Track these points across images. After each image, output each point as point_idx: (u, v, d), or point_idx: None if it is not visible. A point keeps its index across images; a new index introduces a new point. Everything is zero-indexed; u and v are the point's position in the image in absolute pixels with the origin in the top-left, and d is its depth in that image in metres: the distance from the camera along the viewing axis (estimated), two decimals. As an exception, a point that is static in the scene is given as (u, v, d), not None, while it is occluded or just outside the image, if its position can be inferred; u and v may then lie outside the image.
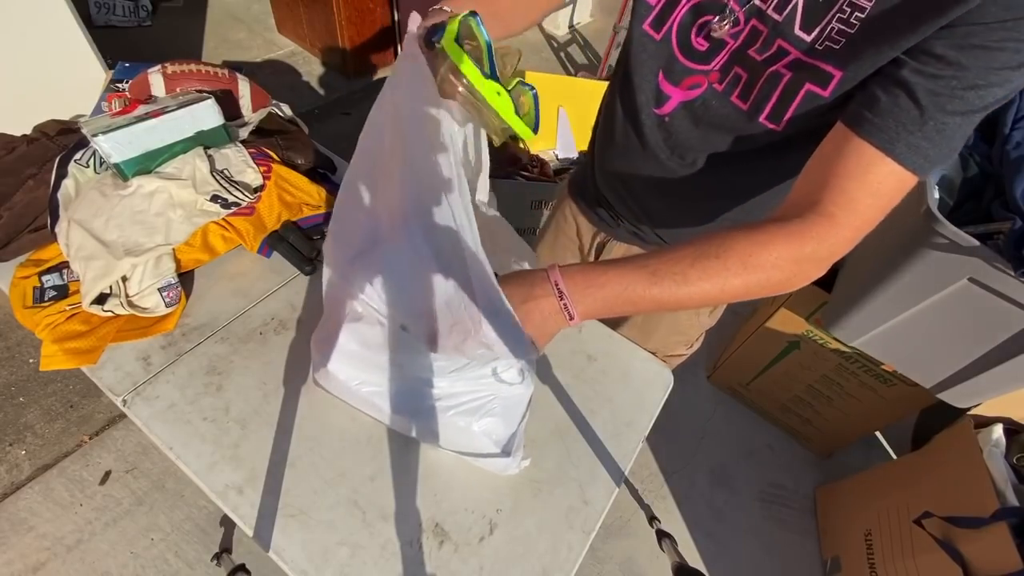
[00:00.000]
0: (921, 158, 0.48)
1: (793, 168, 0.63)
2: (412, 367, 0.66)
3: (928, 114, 0.46)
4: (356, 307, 0.64)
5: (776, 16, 0.53)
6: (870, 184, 0.49)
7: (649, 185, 0.77)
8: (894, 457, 1.75)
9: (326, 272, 0.69)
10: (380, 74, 2.87)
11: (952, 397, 1.08)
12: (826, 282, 1.31)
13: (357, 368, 0.68)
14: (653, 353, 0.92)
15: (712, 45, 0.60)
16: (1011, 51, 0.43)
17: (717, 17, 0.57)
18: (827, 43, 0.51)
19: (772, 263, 0.50)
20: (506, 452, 0.69)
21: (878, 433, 1.80)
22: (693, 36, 0.61)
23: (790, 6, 0.52)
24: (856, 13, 0.49)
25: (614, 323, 0.97)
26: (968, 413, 1.20)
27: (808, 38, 0.52)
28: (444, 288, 0.54)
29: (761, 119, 0.59)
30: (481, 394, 0.67)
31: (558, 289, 0.51)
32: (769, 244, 0.50)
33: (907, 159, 0.48)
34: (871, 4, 0.48)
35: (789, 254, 0.50)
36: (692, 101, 0.64)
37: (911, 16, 0.46)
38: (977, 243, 0.84)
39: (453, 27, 0.55)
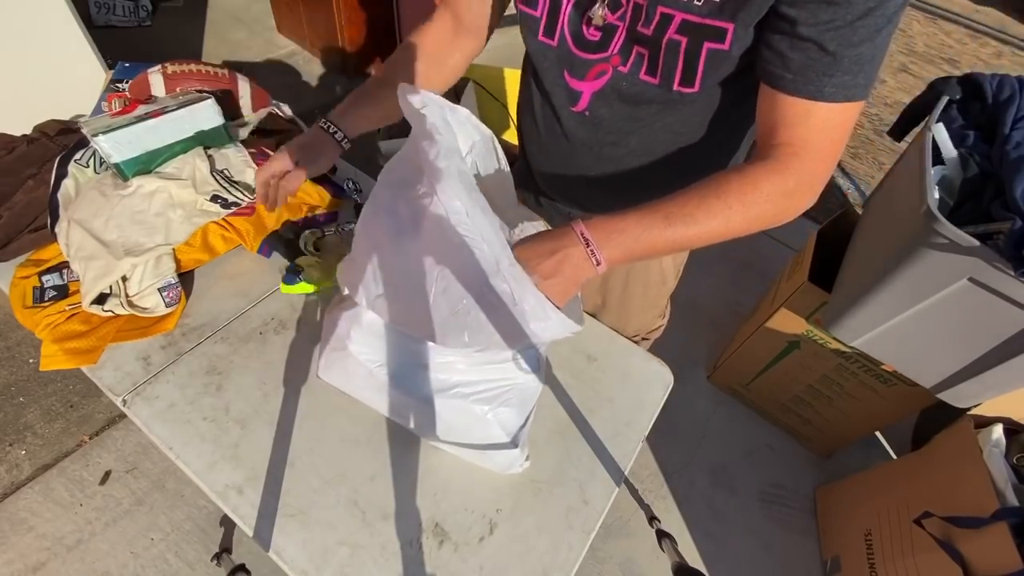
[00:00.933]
0: (851, 88, 0.51)
1: (729, 123, 0.67)
2: (435, 350, 0.67)
3: (840, 54, 0.49)
4: (381, 290, 0.65)
5: None
6: (816, 126, 0.53)
7: (594, 181, 0.78)
8: (894, 457, 1.75)
9: (356, 248, 0.69)
10: (380, 74, 2.87)
11: (952, 397, 1.08)
12: (826, 282, 1.32)
13: (376, 350, 0.69)
14: (634, 337, 0.93)
15: (604, 33, 0.61)
16: None
17: (595, 6, 0.59)
18: None
19: (765, 198, 0.55)
20: (514, 443, 0.69)
21: (878, 433, 1.79)
22: (584, 30, 0.63)
23: None
24: None
25: (593, 311, 0.98)
26: (968, 413, 1.19)
27: None
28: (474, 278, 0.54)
29: (675, 87, 0.60)
30: (501, 384, 0.68)
31: (584, 237, 0.54)
32: (759, 181, 0.54)
33: (839, 96, 0.51)
34: None
35: (775, 188, 0.55)
36: (603, 89, 0.66)
37: None
38: (977, 243, 0.83)
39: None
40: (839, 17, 0.48)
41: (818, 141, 0.54)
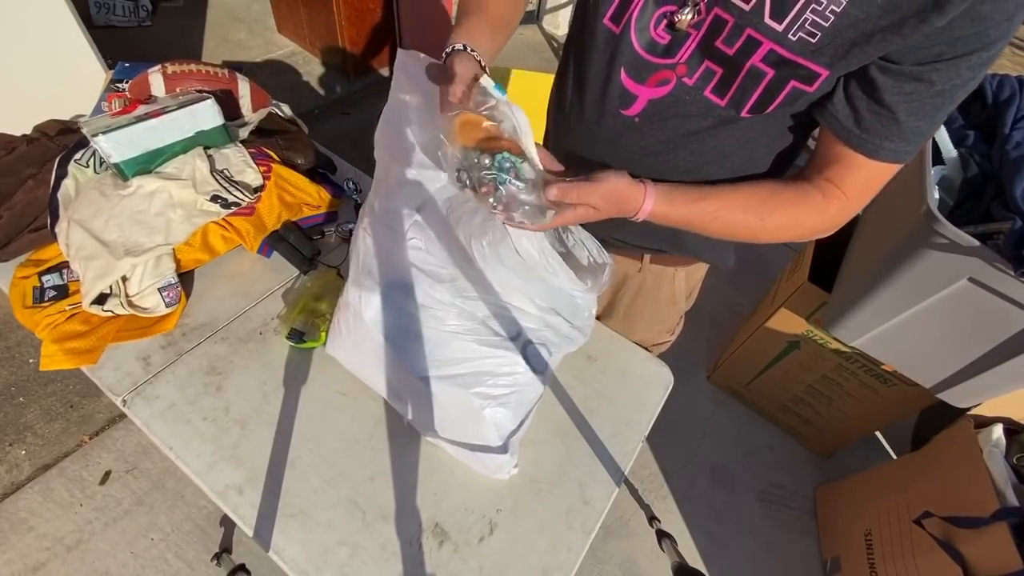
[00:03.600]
0: (903, 154, 0.56)
1: (777, 156, 0.66)
2: (449, 335, 0.68)
3: (906, 124, 0.53)
4: (405, 261, 0.66)
5: (743, 5, 0.52)
6: (861, 179, 0.59)
7: None
8: (894, 457, 1.75)
9: (371, 218, 0.70)
10: (380, 74, 2.87)
11: (952, 397, 1.08)
12: (826, 282, 1.32)
13: (391, 322, 0.69)
14: (640, 344, 0.93)
15: (675, 37, 0.58)
16: (973, 59, 0.48)
17: (683, 8, 0.55)
18: (800, 34, 0.51)
19: (798, 232, 0.63)
20: (503, 449, 0.69)
21: (878, 433, 1.79)
22: (652, 28, 0.58)
23: None
24: (831, 7, 0.48)
25: (600, 313, 0.98)
26: (968, 413, 1.19)
27: (779, 27, 0.51)
28: None
29: (743, 113, 0.59)
30: (504, 384, 0.68)
31: (645, 208, 0.60)
32: (801, 218, 0.62)
33: (890, 158, 0.56)
34: (847, 0, 0.48)
35: (813, 226, 0.63)
36: (663, 99, 0.62)
37: (893, 21, 0.47)
38: (977, 243, 0.83)
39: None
40: (918, 92, 0.51)
41: (860, 191, 0.60)
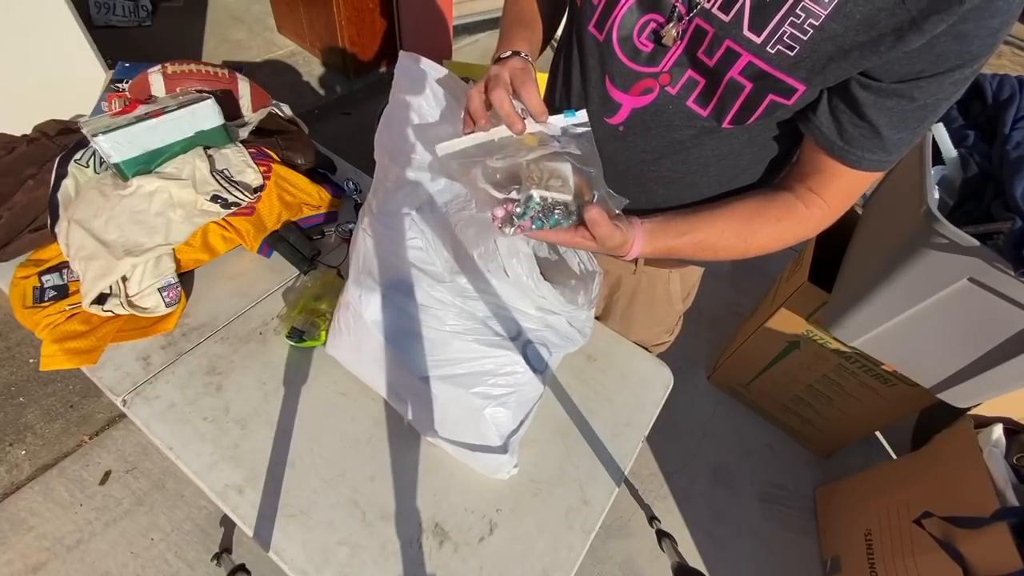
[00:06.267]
0: (883, 164, 0.57)
1: (762, 163, 0.66)
2: (449, 335, 0.68)
3: (888, 137, 0.54)
4: (405, 261, 0.67)
5: (723, 16, 0.52)
6: (842, 188, 0.61)
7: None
8: (894, 457, 1.75)
9: (370, 218, 0.70)
10: (380, 74, 2.87)
11: (952, 397, 1.08)
12: (826, 282, 1.32)
13: (390, 324, 0.69)
14: (639, 344, 0.94)
15: (657, 46, 0.58)
16: (956, 74, 0.48)
17: (669, 22, 0.55)
18: (779, 47, 0.50)
19: (782, 244, 0.64)
20: (503, 449, 0.69)
21: (878, 433, 1.79)
22: (636, 36, 0.58)
23: (737, 5, 0.51)
24: (810, 20, 0.48)
25: (597, 314, 0.98)
26: (968, 413, 1.19)
27: (758, 39, 0.51)
28: None
29: (725, 124, 0.59)
30: (504, 384, 0.68)
31: (636, 246, 0.61)
32: (785, 233, 0.63)
33: (872, 168, 0.57)
34: (826, 13, 0.47)
35: (795, 238, 0.64)
36: (646, 108, 0.62)
37: (871, 37, 0.47)
38: (977, 243, 0.83)
39: None
40: (900, 107, 0.51)
41: (840, 199, 0.61)
